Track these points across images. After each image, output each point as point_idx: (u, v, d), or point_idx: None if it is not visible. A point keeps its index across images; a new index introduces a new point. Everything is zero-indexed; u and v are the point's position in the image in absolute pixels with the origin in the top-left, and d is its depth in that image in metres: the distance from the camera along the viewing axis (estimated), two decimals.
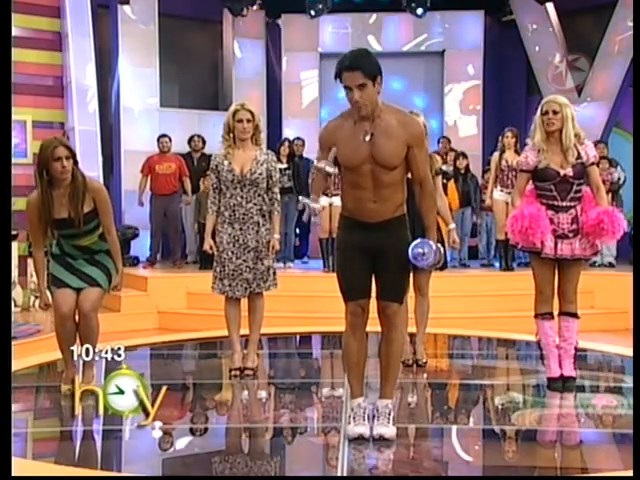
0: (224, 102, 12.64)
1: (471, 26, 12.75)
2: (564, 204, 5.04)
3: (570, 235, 5.02)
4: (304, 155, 10.77)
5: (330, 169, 3.95)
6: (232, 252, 5.54)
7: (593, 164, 5.08)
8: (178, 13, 12.21)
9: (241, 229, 5.53)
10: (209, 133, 11.48)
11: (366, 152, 3.91)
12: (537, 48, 12.56)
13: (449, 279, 8.63)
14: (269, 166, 5.56)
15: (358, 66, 3.82)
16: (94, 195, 4.96)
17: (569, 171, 5.01)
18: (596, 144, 10.65)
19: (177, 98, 12.63)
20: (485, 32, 12.72)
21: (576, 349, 5.24)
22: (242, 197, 5.53)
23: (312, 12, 12.16)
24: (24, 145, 10.92)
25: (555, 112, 5.02)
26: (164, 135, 10.67)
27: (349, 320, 4.08)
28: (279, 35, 12.87)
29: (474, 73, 12.77)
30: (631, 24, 10.99)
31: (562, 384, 5.13)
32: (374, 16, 12.84)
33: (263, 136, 5.71)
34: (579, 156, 5.02)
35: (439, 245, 4.03)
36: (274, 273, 5.66)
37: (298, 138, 10.91)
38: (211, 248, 5.62)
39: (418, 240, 3.99)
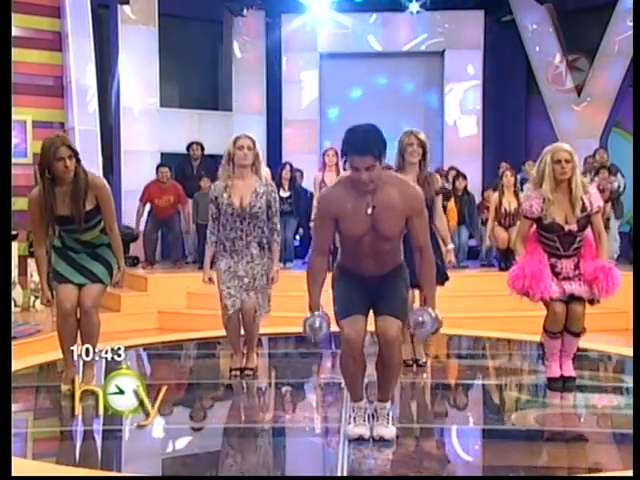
0: (224, 102, 12.65)
1: (471, 26, 12.73)
2: (566, 253, 5.05)
3: (575, 279, 5.06)
4: (303, 186, 10.78)
5: (323, 327, 3.98)
6: (228, 286, 5.52)
7: (597, 212, 5.03)
8: (178, 13, 12.20)
9: (236, 261, 5.53)
10: (209, 133, 11.49)
11: (368, 225, 3.92)
12: (537, 48, 12.57)
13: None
14: (269, 197, 5.53)
15: (369, 151, 3.80)
16: (96, 192, 4.96)
17: (574, 227, 4.98)
18: (596, 151, 10.75)
19: (177, 98, 12.62)
20: (485, 32, 12.71)
21: (576, 349, 5.26)
22: (242, 230, 5.52)
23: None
24: (24, 145, 10.90)
25: (567, 161, 4.93)
26: (163, 165, 10.66)
27: (346, 347, 3.99)
28: (279, 35, 12.86)
29: (474, 73, 12.76)
30: (631, 24, 11.00)
31: (562, 384, 5.14)
32: (374, 16, 12.84)
33: (263, 172, 5.64)
34: (584, 207, 4.96)
35: (438, 313, 4.01)
36: (268, 300, 5.64)
37: (297, 170, 10.76)
38: (210, 280, 5.61)
39: (418, 308, 4.07)
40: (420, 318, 3.99)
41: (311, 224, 9.55)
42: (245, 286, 5.51)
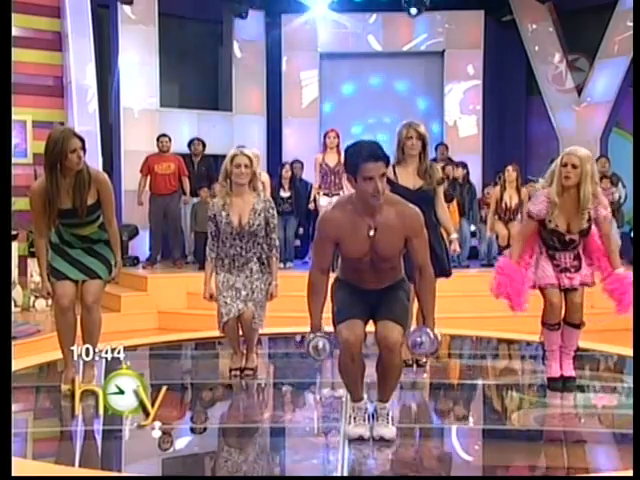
0: (224, 102, 12.63)
1: (471, 26, 12.71)
2: (565, 249, 5.04)
3: (572, 270, 5.05)
4: (303, 177, 10.85)
5: (327, 348, 3.97)
6: (229, 297, 5.51)
7: (603, 221, 5.00)
8: (178, 13, 12.19)
9: (235, 275, 5.53)
10: (209, 133, 11.48)
11: (368, 246, 3.92)
12: (537, 48, 12.56)
13: (449, 279, 8.61)
14: (267, 214, 5.52)
15: (382, 156, 3.82)
16: (98, 187, 4.97)
17: (575, 237, 4.97)
18: (597, 160, 10.75)
19: (177, 98, 12.61)
20: (485, 32, 12.70)
21: (576, 349, 5.26)
22: (242, 247, 5.51)
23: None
24: (24, 145, 10.91)
25: (574, 166, 4.86)
26: (164, 135, 10.66)
27: (344, 350, 3.97)
28: (279, 35, 12.86)
29: (474, 73, 12.75)
30: (631, 24, 10.99)
31: (562, 384, 5.14)
32: (374, 16, 12.83)
33: (260, 185, 5.65)
34: (589, 218, 4.94)
35: (437, 333, 3.98)
36: (264, 313, 5.61)
37: (297, 161, 10.94)
38: (211, 297, 5.59)
39: (417, 328, 4.02)
40: (419, 339, 3.95)
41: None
42: (242, 297, 5.50)
